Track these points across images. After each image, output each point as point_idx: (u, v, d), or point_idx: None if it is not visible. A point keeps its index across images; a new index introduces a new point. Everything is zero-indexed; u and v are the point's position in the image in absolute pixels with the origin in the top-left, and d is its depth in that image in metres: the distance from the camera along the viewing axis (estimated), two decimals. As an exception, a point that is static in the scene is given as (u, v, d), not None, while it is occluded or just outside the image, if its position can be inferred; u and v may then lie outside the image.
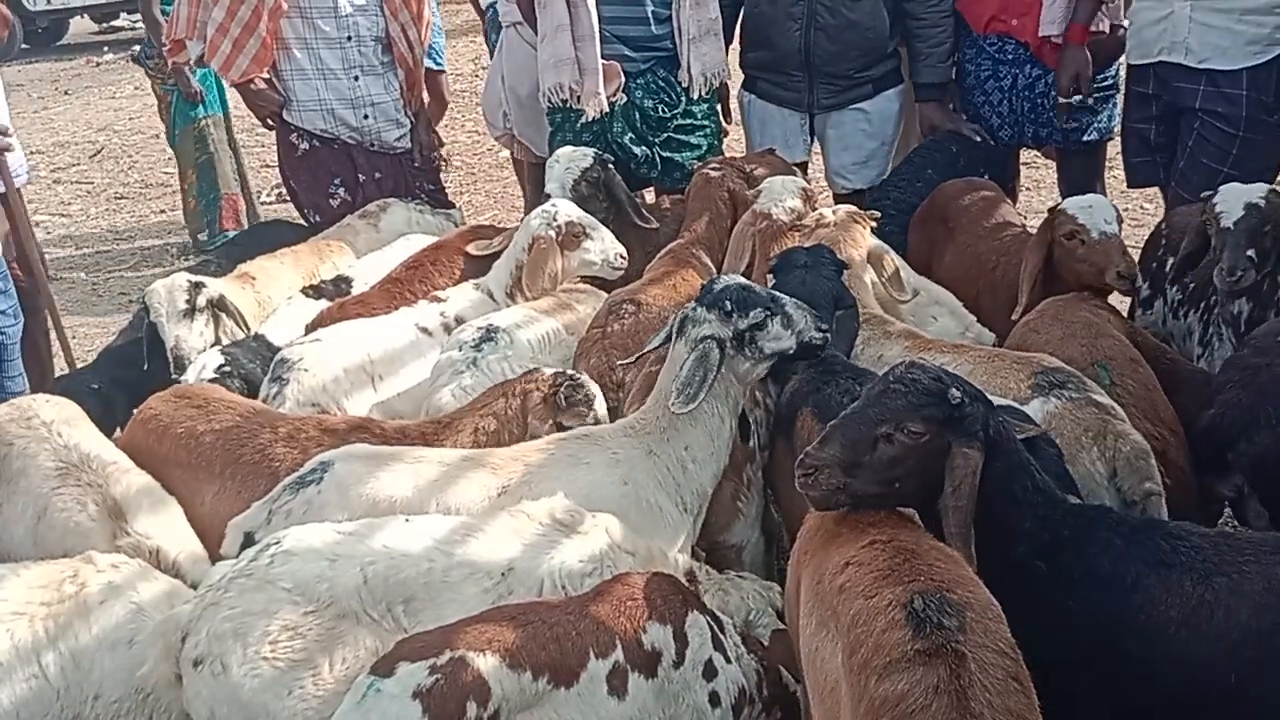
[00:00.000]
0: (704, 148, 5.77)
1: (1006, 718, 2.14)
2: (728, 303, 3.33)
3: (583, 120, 5.51)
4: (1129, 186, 5.80)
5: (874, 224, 4.38)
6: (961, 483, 2.60)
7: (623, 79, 5.48)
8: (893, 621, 2.29)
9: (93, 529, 3.52)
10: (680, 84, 5.60)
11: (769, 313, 3.33)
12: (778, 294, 3.41)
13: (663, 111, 5.62)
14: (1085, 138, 5.48)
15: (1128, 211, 7.34)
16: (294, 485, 3.34)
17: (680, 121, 5.68)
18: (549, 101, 5.59)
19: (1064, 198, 5.79)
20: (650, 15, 5.51)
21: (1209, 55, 4.82)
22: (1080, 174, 5.69)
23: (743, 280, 3.41)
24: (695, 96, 5.64)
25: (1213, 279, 3.98)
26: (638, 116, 5.59)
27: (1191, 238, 4.08)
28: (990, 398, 2.81)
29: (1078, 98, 5.27)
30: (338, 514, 3.23)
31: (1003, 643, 2.28)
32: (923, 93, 5.64)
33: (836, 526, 2.73)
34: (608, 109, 5.47)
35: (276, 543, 2.94)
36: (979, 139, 5.54)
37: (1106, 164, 5.80)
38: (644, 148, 5.62)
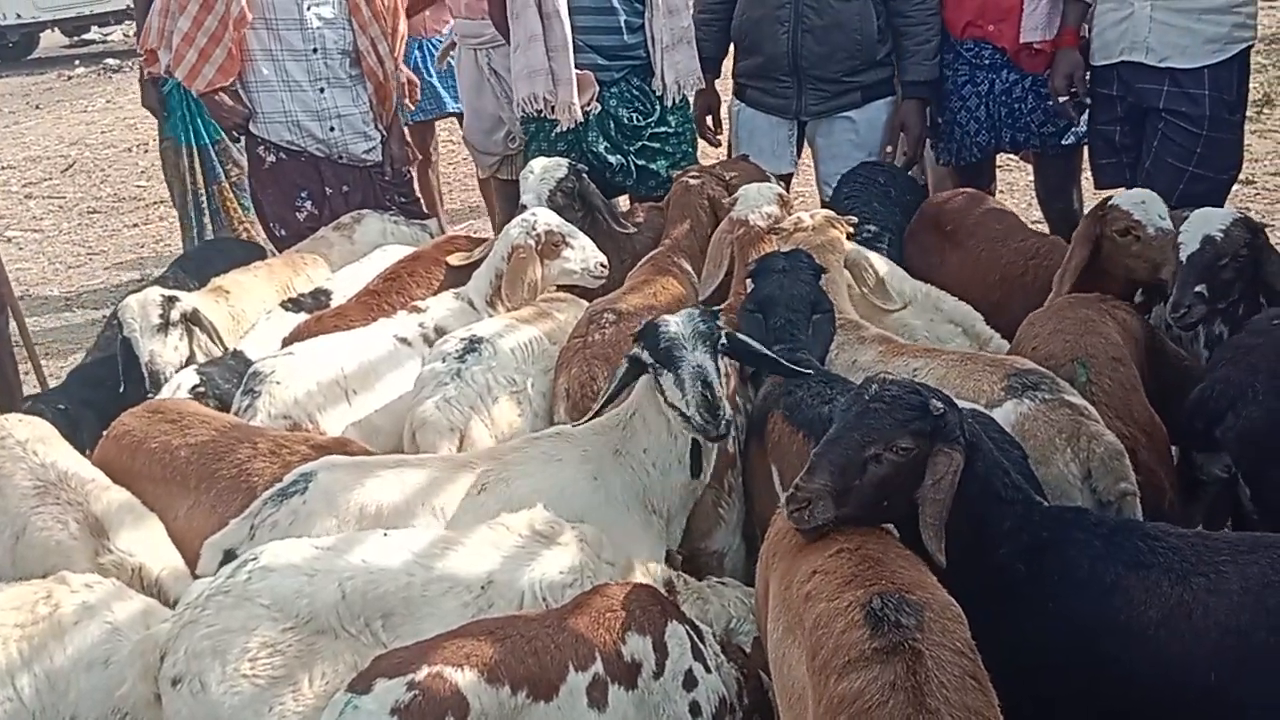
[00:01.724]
0: (678, 156, 5.77)
1: (964, 714, 2.16)
2: (640, 332, 3.38)
3: (557, 130, 5.52)
4: (1096, 188, 5.79)
5: (851, 229, 4.37)
6: (942, 477, 2.61)
7: (596, 88, 5.48)
8: (852, 622, 2.32)
9: (74, 547, 3.50)
10: (655, 92, 5.61)
11: (659, 366, 3.29)
12: (684, 356, 3.23)
13: (637, 120, 5.63)
14: (1063, 141, 5.48)
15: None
16: (276, 498, 3.33)
17: (655, 130, 5.68)
18: (522, 112, 5.59)
19: (1040, 201, 5.87)
20: (623, 24, 5.51)
21: (1169, 54, 4.85)
22: (1057, 178, 5.72)
23: (676, 325, 3.30)
24: (669, 104, 5.65)
25: None
26: (612, 125, 5.60)
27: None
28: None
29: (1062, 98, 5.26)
30: (326, 522, 3.24)
31: (960, 642, 2.31)
32: (909, 90, 5.62)
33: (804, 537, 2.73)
34: (582, 118, 5.46)
35: (254, 559, 2.92)
36: (902, 165, 5.59)
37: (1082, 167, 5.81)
38: (619, 156, 5.62)
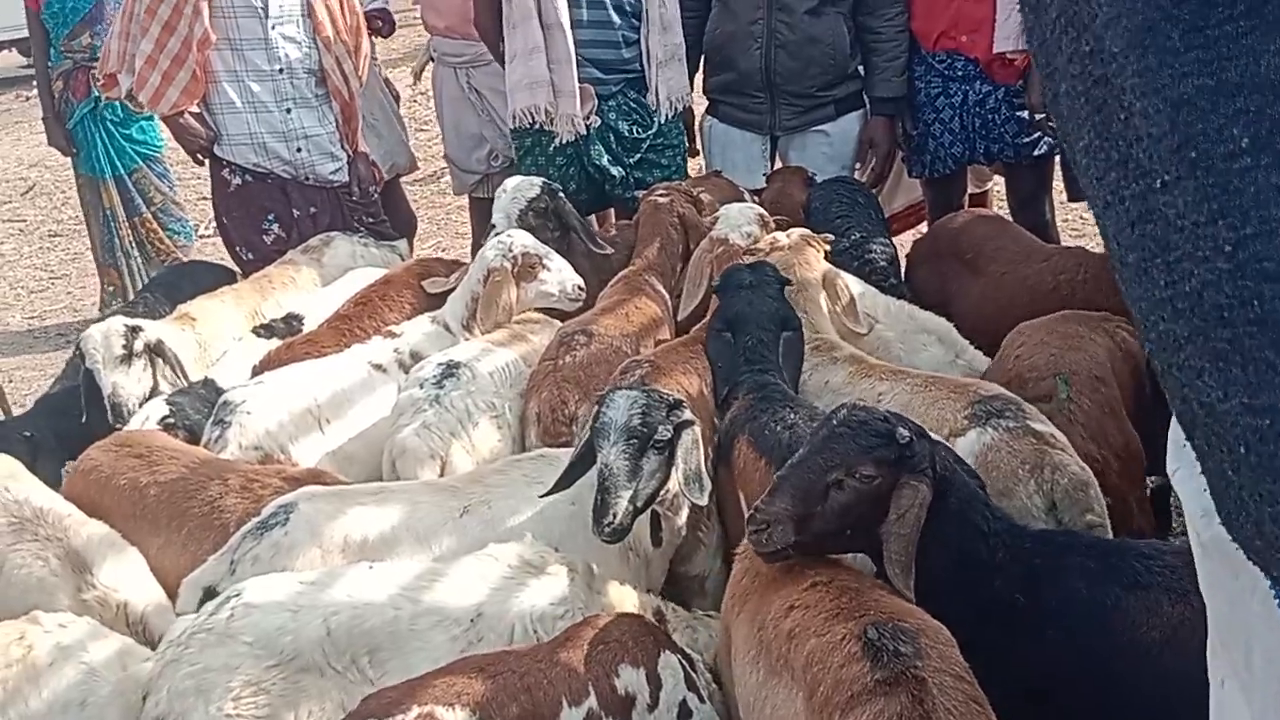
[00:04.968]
0: (672, 169, 5.77)
1: None
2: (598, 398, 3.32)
3: (555, 144, 5.48)
4: (1069, 200, 5.87)
5: (828, 247, 4.35)
6: (907, 511, 2.57)
7: (595, 101, 5.46)
8: (850, 655, 2.27)
9: (56, 584, 3.41)
10: (650, 106, 5.61)
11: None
12: (601, 448, 3.12)
13: (637, 132, 5.61)
14: (1035, 153, 5.48)
15: (1067, 222, 7.42)
16: (256, 531, 3.26)
17: (653, 142, 5.67)
18: (518, 123, 5.53)
19: (1011, 211, 5.87)
20: (621, 39, 5.51)
21: None
22: (1029, 188, 5.70)
23: (613, 410, 3.16)
24: (663, 121, 5.64)
25: None
26: (613, 138, 5.58)
27: None
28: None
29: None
30: (310, 553, 3.19)
31: (958, 666, 2.27)
32: (877, 107, 5.65)
33: (771, 572, 2.70)
34: (584, 131, 5.44)
35: (236, 595, 2.87)
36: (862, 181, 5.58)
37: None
38: (620, 168, 5.62)
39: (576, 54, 5.34)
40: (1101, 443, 3.49)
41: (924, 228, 6.36)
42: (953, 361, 4.27)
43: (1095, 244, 7.03)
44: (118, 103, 7.47)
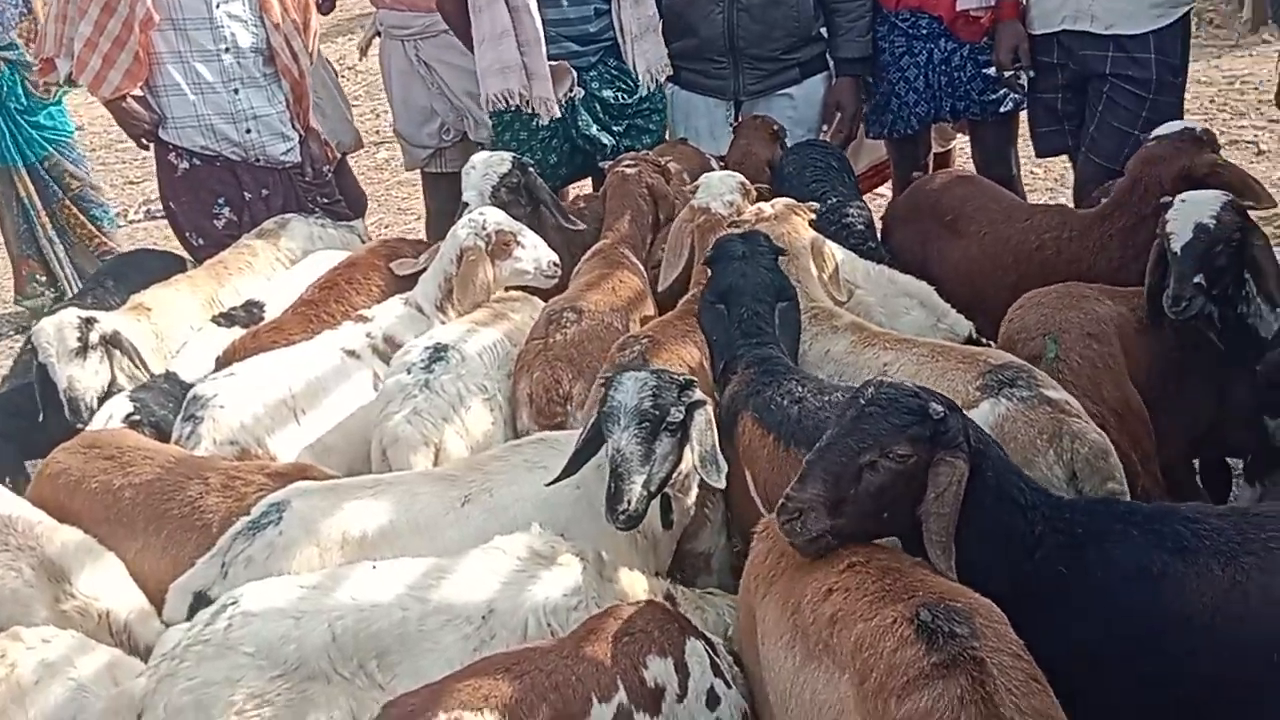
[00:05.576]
0: (660, 132, 5.71)
1: (1036, 719, 2.07)
2: (606, 380, 3.24)
3: (538, 119, 5.36)
4: (1037, 156, 5.82)
5: (813, 215, 4.25)
6: (945, 490, 2.48)
7: (574, 75, 5.35)
8: (903, 639, 2.19)
9: (32, 595, 3.28)
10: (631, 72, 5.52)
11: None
12: (611, 433, 3.03)
13: (622, 98, 5.53)
14: (1001, 109, 5.43)
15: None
16: (248, 531, 3.13)
17: (639, 107, 5.58)
18: (492, 108, 5.40)
19: (977, 168, 5.82)
20: (593, 12, 5.39)
21: (1115, 21, 4.85)
22: (995, 144, 5.66)
23: (623, 393, 3.06)
24: (644, 93, 5.56)
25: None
26: (598, 107, 5.48)
27: (1154, 261, 3.70)
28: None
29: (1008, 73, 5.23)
30: (307, 551, 3.07)
31: (1014, 644, 2.21)
32: (843, 68, 5.58)
33: (799, 553, 2.61)
34: (559, 114, 5.33)
35: (234, 603, 2.74)
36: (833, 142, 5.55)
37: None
38: (609, 136, 5.53)
39: (550, 31, 5.22)
40: (1096, 399, 3.41)
41: (887, 189, 6.31)
42: (934, 326, 4.20)
43: (1053, 198, 7.05)
44: (20, 90, 7.35)
